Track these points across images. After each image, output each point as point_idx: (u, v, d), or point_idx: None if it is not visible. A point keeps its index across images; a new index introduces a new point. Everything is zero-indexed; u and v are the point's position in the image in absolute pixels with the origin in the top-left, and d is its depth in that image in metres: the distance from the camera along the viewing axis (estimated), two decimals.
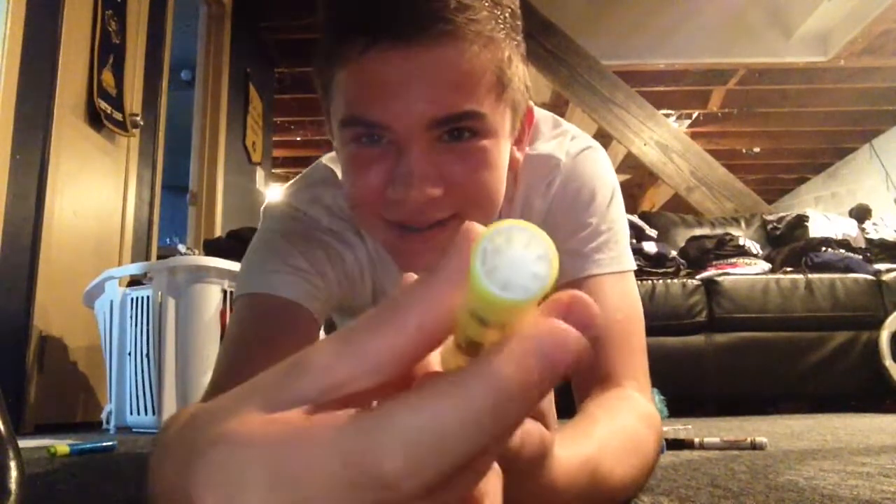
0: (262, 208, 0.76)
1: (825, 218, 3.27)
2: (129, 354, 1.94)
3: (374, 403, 0.20)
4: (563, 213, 0.72)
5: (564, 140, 0.75)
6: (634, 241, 2.93)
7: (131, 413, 1.92)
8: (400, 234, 0.59)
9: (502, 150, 0.60)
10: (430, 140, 0.55)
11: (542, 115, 0.77)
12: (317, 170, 0.76)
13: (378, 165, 0.56)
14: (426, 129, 0.54)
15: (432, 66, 0.52)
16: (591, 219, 0.71)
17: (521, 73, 0.60)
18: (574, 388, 0.66)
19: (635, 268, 0.74)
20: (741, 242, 2.99)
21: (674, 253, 2.93)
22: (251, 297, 0.67)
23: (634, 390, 0.62)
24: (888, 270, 2.75)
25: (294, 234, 0.71)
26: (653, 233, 3.08)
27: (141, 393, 1.90)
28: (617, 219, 0.73)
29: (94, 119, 2.51)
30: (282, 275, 0.67)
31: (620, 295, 0.71)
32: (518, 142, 0.65)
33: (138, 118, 2.77)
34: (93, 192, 2.54)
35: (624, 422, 0.56)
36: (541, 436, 0.31)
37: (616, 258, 0.71)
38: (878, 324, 2.58)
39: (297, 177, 0.77)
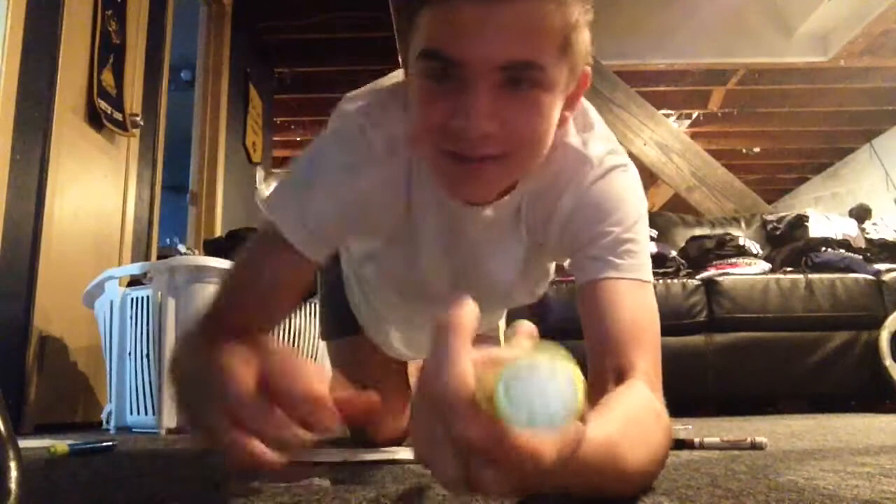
0: (339, 105, 0.78)
1: (825, 218, 3.27)
2: (129, 354, 1.94)
3: None
4: (587, 223, 0.75)
5: (599, 144, 0.78)
6: None
7: (131, 413, 1.92)
8: (453, 161, 0.64)
9: (555, 104, 0.65)
10: (495, 82, 0.60)
11: (584, 107, 0.80)
12: (395, 88, 0.77)
13: (445, 99, 0.62)
14: (494, 70, 0.60)
15: (510, 17, 0.58)
16: (614, 228, 0.74)
17: (585, 39, 0.66)
18: (590, 384, 0.66)
19: (654, 282, 0.75)
20: (741, 242, 2.99)
21: (674, 253, 2.93)
22: (268, 223, 0.74)
23: (646, 385, 0.63)
24: (888, 270, 2.75)
25: (335, 161, 0.75)
26: (653, 233, 3.08)
27: (141, 393, 1.90)
28: (641, 237, 0.76)
29: (94, 119, 2.51)
30: (296, 219, 0.72)
31: (639, 299, 0.72)
32: (570, 101, 0.70)
33: (138, 118, 2.77)
34: (93, 192, 2.54)
35: (637, 412, 0.58)
36: (576, 429, 0.35)
37: (637, 266, 0.73)
38: (878, 324, 2.58)
39: (380, 86, 0.79)
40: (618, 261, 0.72)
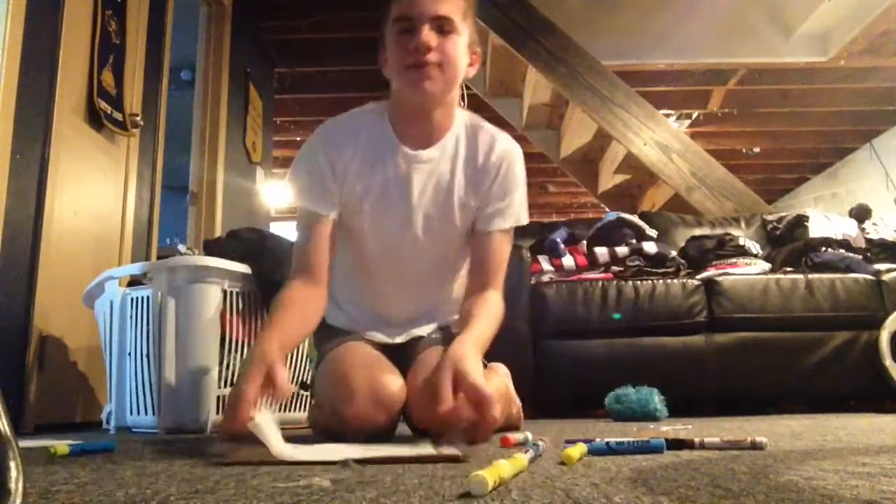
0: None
1: (825, 218, 3.27)
2: (129, 354, 1.93)
3: None
4: (498, 186, 1.31)
5: (506, 137, 1.36)
6: (634, 241, 2.93)
7: (131, 413, 1.92)
8: (413, 70, 1.20)
9: (464, 46, 1.24)
10: (431, 27, 1.19)
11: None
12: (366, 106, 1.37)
13: (408, 41, 1.20)
14: (430, 20, 1.19)
15: None
16: (511, 197, 1.32)
17: (473, 20, 1.27)
18: (467, 286, 1.34)
19: (514, 226, 1.34)
20: (741, 242, 2.99)
21: (674, 253, 2.92)
22: (299, 208, 1.32)
23: (497, 293, 1.32)
24: (888, 270, 2.74)
25: (330, 138, 1.33)
26: (653, 233, 3.08)
27: (141, 393, 1.90)
28: (522, 202, 1.34)
29: (94, 119, 2.51)
30: (311, 192, 1.30)
31: (505, 242, 1.34)
32: (471, 61, 1.29)
33: (138, 118, 2.77)
34: (93, 192, 2.54)
35: (492, 308, 1.27)
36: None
37: (509, 222, 1.33)
38: (878, 324, 2.58)
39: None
40: (502, 219, 1.32)
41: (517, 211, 1.33)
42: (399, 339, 1.41)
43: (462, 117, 1.33)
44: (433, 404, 1.01)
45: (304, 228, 1.29)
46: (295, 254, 1.30)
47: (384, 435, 1.23)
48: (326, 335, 1.40)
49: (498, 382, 1.36)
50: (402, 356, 1.36)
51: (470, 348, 1.10)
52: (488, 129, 1.34)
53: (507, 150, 1.32)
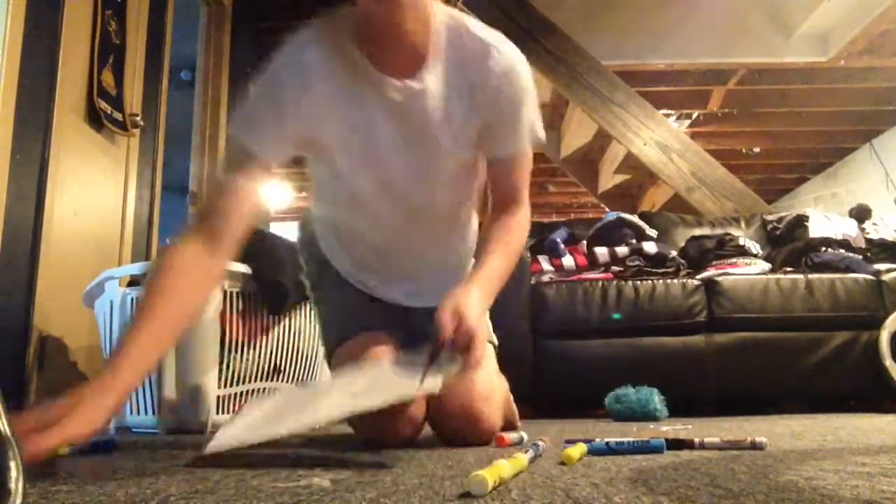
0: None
1: (825, 218, 3.27)
2: None
3: None
4: (505, 101, 1.12)
5: (501, 40, 1.13)
6: (634, 241, 2.93)
7: (131, 413, 1.92)
8: (376, 4, 1.00)
9: None
10: None
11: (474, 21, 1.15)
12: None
13: None
14: None
15: None
16: (520, 111, 1.13)
17: None
18: (492, 200, 1.22)
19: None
20: (741, 242, 2.99)
21: (674, 253, 2.92)
22: (229, 139, 1.11)
23: (520, 206, 1.21)
24: (888, 270, 2.74)
25: (276, 70, 1.09)
26: (653, 233, 3.08)
27: (141, 393, 1.90)
28: (535, 114, 1.16)
29: (94, 119, 2.51)
30: (252, 122, 1.06)
31: (523, 164, 1.20)
32: None
33: (138, 118, 2.77)
34: (93, 192, 2.54)
35: (511, 236, 1.18)
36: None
37: (528, 138, 1.17)
38: (878, 324, 2.58)
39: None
40: (522, 138, 1.15)
41: (532, 125, 1.15)
42: (413, 304, 1.33)
43: (441, 21, 1.09)
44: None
45: (227, 169, 1.06)
46: (203, 201, 1.10)
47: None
48: (327, 280, 1.35)
49: (501, 390, 1.34)
50: (412, 321, 1.30)
51: (475, 291, 1.04)
52: (476, 33, 1.11)
53: (505, 58, 1.11)
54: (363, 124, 1.10)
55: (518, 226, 1.20)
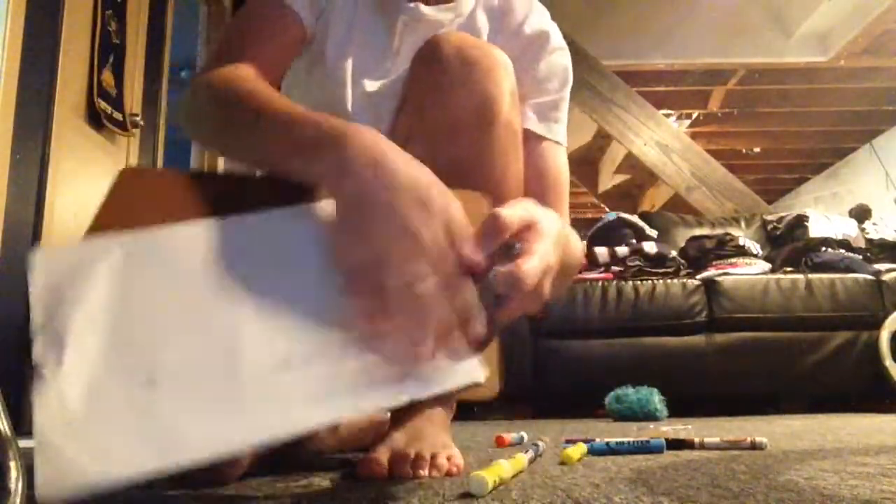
0: None
1: (825, 218, 3.27)
2: None
3: None
4: (546, 67, 0.93)
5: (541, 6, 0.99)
6: (634, 241, 2.93)
7: None
8: None
9: None
10: None
11: None
12: None
13: None
14: None
15: None
16: (560, 93, 0.92)
17: None
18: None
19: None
20: (741, 242, 2.99)
21: (674, 253, 2.93)
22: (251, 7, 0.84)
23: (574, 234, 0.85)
24: (888, 270, 2.75)
25: None
26: (653, 233, 3.08)
27: None
28: (566, 114, 0.92)
29: (94, 119, 2.51)
30: None
31: (563, 163, 0.90)
32: None
33: (138, 118, 2.77)
34: (93, 192, 2.54)
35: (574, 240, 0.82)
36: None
37: (559, 133, 0.90)
38: (878, 324, 2.58)
39: None
40: (557, 130, 0.90)
41: (564, 123, 0.93)
42: None
43: None
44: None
45: (250, 43, 0.79)
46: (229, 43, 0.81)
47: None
48: None
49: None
50: None
51: (559, 223, 0.60)
52: None
53: (552, 26, 1.01)
54: (369, 39, 0.90)
55: (578, 246, 0.89)
